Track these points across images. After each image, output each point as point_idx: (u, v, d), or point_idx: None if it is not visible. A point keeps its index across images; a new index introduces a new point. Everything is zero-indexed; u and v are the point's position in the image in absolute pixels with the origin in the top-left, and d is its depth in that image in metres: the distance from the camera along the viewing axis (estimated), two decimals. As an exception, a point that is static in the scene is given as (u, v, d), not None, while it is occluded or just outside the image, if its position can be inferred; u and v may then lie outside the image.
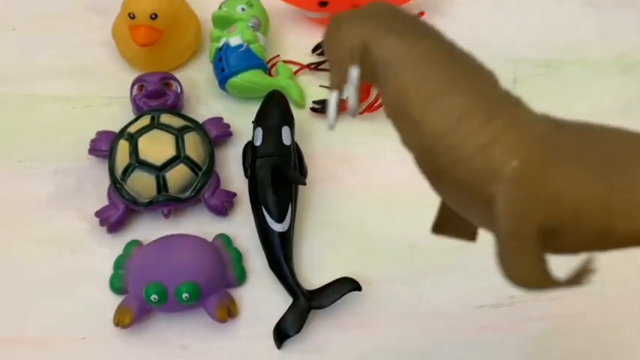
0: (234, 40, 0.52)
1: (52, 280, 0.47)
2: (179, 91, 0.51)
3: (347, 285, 0.45)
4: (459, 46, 0.24)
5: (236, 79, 0.52)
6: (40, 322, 0.45)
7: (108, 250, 0.47)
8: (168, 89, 0.51)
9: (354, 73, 0.22)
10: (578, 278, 0.22)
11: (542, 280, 0.23)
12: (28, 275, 0.47)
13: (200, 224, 0.48)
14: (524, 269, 0.22)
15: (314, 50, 0.56)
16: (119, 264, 0.46)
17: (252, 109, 0.51)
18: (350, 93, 0.23)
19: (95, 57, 0.56)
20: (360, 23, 0.22)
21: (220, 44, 0.53)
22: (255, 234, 0.48)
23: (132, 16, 0.50)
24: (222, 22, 0.53)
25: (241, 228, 0.49)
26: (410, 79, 0.22)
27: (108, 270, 0.46)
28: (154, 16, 0.50)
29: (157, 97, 0.50)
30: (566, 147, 0.22)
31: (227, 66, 0.52)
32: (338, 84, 0.23)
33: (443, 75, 0.22)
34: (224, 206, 0.48)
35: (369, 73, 0.23)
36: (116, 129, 0.50)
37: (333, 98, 0.23)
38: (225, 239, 0.47)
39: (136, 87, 0.51)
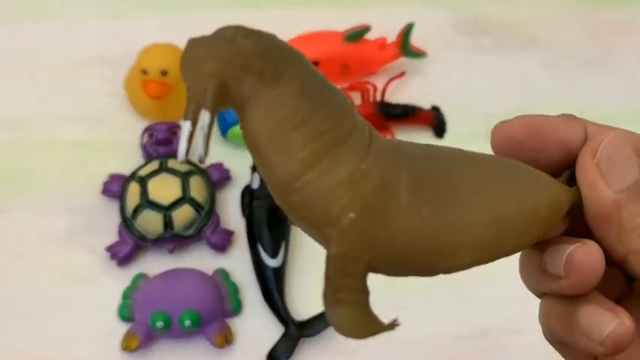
0: (235, 94, 0.58)
1: (63, 308, 0.51)
2: (184, 138, 0.57)
3: (334, 316, 0.50)
4: (324, 84, 0.22)
5: (236, 129, 0.58)
6: (53, 346, 0.49)
7: (117, 281, 0.52)
8: (175, 137, 0.56)
9: (205, 119, 0.20)
10: (394, 322, 0.22)
11: (368, 328, 0.22)
12: (41, 303, 0.51)
13: (201, 259, 0.53)
14: (350, 317, 0.21)
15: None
16: (127, 294, 0.51)
17: (249, 155, 0.56)
18: (199, 138, 0.21)
19: (106, 106, 0.61)
20: (219, 56, 0.20)
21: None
22: (251, 269, 0.52)
23: (145, 72, 0.56)
24: (224, 77, 0.59)
25: (238, 263, 0.53)
26: (262, 120, 0.21)
27: (116, 300, 0.51)
28: (164, 73, 0.56)
29: (165, 145, 0.55)
30: (406, 187, 0.21)
31: (228, 116, 0.57)
32: (192, 117, 0.21)
33: (296, 117, 0.20)
34: (223, 243, 0.53)
35: (231, 102, 0.21)
36: (125, 172, 0.55)
37: (185, 129, 0.21)
38: (223, 273, 0.52)
39: (146, 135, 0.56)
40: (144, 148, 0.56)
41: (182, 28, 0.65)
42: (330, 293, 0.21)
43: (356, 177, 0.21)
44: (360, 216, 0.20)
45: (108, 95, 0.62)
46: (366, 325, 0.22)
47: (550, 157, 0.25)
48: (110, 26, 0.66)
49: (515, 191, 0.23)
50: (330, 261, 0.21)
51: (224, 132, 0.58)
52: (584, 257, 0.23)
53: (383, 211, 0.21)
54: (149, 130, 0.56)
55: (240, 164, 0.57)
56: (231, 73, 0.20)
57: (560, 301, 0.25)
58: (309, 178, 0.20)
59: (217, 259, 0.53)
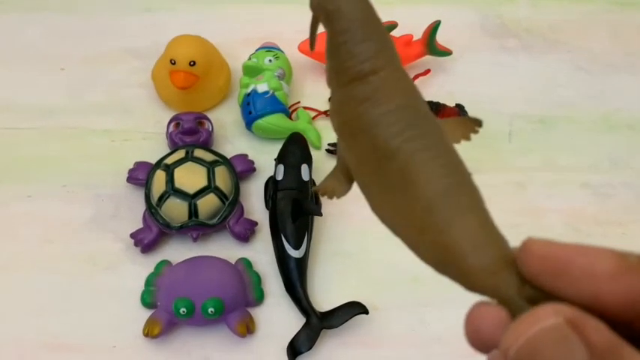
0: (262, 87, 0.58)
1: (88, 294, 0.51)
2: (210, 129, 0.57)
3: (355, 308, 0.50)
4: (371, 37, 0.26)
5: (261, 122, 0.58)
6: (76, 331, 0.50)
7: (140, 268, 0.52)
8: (201, 127, 0.56)
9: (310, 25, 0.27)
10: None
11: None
12: (67, 288, 0.52)
13: (224, 248, 0.53)
14: (326, 181, 0.28)
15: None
16: (150, 281, 0.51)
17: (273, 148, 0.57)
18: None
19: (134, 96, 0.62)
20: (315, 4, 0.25)
21: (249, 90, 0.59)
22: (273, 260, 0.53)
23: (173, 62, 0.57)
24: (252, 71, 0.60)
25: (260, 254, 0.54)
26: (326, 41, 0.26)
27: (140, 286, 0.51)
28: (192, 63, 0.57)
29: (191, 134, 0.56)
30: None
31: (254, 109, 0.58)
32: (311, 24, 0.27)
33: (338, 51, 0.26)
34: (246, 233, 0.53)
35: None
36: (152, 161, 0.56)
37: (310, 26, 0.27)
38: (246, 263, 0.52)
39: (172, 124, 0.57)
40: (170, 137, 0.56)
41: (210, 21, 0.67)
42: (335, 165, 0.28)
43: (336, 107, 0.25)
44: (336, 131, 0.26)
45: (136, 86, 0.63)
46: (329, 187, 0.27)
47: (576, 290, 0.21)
48: (140, 19, 0.67)
49: (433, 209, 0.23)
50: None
51: (249, 125, 0.59)
52: (475, 312, 0.22)
53: (342, 141, 0.26)
54: (175, 120, 0.57)
55: (264, 156, 0.58)
56: (314, 13, 0.26)
57: None
58: (330, 90, 0.26)
59: (240, 248, 0.54)
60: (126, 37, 0.66)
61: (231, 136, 0.60)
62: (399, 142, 0.24)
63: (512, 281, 0.22)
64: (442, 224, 0.23)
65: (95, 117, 0.61)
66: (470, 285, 0.22)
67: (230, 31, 0.65)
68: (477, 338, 0.22)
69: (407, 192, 0.24)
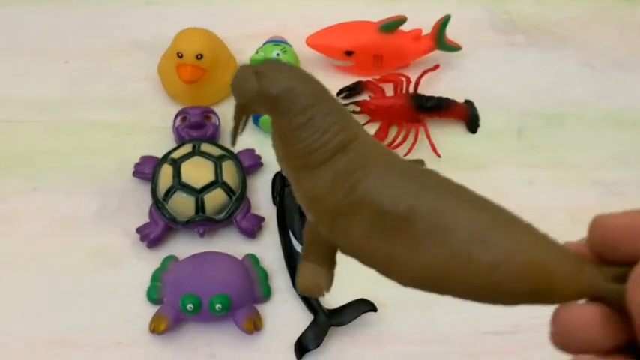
0: (269, 81, 0.58)
1: (93, 289, 0.51)
2: (217, 124, 0.57)
3: (364, 306, 0.49)
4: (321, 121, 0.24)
5: (267, 117, 0.57)
6: (81, 326, 0.49)
7: (146, 263, 0.51)
8: (208, 122, 0.56)
9: (231, 123, 0.26)
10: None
11: (314, 287, 0.25)
12: (71, 283, 0.51)
13: (231, 244, 0.53)
14: (306, 273, 0.26)
15: (338, 94, 0.61)
16: (156, 276, 0.50)
17: (281, 144, 0.56)
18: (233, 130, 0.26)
19: (139, 90, 0.61)
20: (242, 91, 0.24)
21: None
22: (280, 255, 0.52)
23: (180, 55, 0.56)
24: (259, 65, 0.59)
25: (267, 249, 0.53)
26: (273, 132, 0.25)
27: (145, 281, 0.51)
28: (199, 57, 0.56)
29: (198, 128, 0.55)
30: (367, 220, 0.23)
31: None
32: (234, 120, 0.26)
33: (291, 141, 0.24)
34: (253, 229, 0.53)
35: (258, 112, 0.26)
36: (158, 155, 0.55)
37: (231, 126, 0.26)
38: (253, 259, 0.52)
39: (179, 118, 0.56)
40: (176, 131, 0.56)
41: (217, 15, 0.66)
42: (302, 253, 0.26)
43: (316, 196, 0.24)
44: (316, 222, 0.24)
45: (142, 79, 0.62)
46: (312, 283, 0.26)
47: None
48: (145, 11, 0.66)
49: (478, 248, 0.22)
50: (304, 233, 0.26)
51: (256, 120, 0.58)
52: (568, 314, 0.22)
53: (334, 226, 0.24)
54: (182, 114, 0.56)
55: (271, 151, 0.55)
56: (249, 103, 0.24)
57: None
58: (294, 180, 0.25)
59: (246, 244, 0.53)
60: (131, 30, 0.65)
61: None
62: (410, 200, 0.23)
63: (595, 272, 0.22)
64: (511, 252, 0.22)
65: (100, 110, 0.60)
66: (563, 296, 0.22)
67: (237, 24, 0.64)
68: (570, 339, 0.22)
69: (445, 240, 0.22)
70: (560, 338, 0.22)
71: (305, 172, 0.24)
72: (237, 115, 0.25)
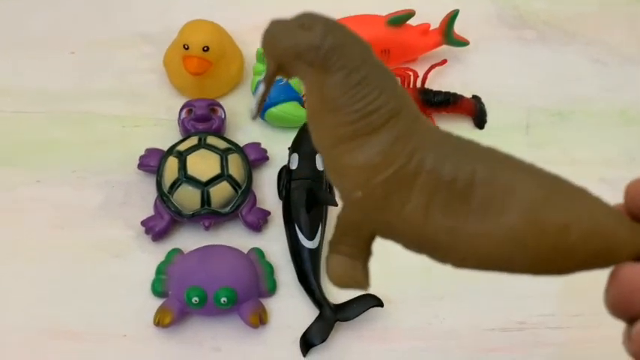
0: (276, 75, 0.57)
1: (98, 282, 0.51)
2: (223, 117, 0.56)
3: (370, 301, 0.49)
4: (370, 77, 0.22)
5: (274, 110, 0.57)
6: (85, 319, 0.49)
7: (151, 256, 0.51)
8: (214, 114, 0.55)
9: (260, 88, 0.24)
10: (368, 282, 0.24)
11: (350, 280, 0.24)
12: (76, 276, 0.51)
13: (236, 238, 0.53)
14: (340, 266, 0.24)
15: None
16: (161, 269, 0.50)
17: (286, 137, 0.56)
18: (255, 99, 0.24)
19: (145, 82, 0.61)
20: (279, 45, 0.22)
21: (262, 77, 0.58)
22: (286, 250, 0.52)
23: (186, 47, 0.56)
24: (265, 57, 0.59)
25: (273, 243, 0.53)
26: (309, 96, 0.23)
27: (150, 274, 0.50)
28: (206, 49, 0.55)
29: (204, 121, 0.55)
30: (422, 188, 0.22)
31: (267, 97, 0.57)
32: (265, 82, 0.23)
33: (334, 102, 0.22)
34: (259, 223, 0.52)
35: (292, 75, 0.23)
36: (163, 147, 0.55)
37: (260, 89, 0.24)
38: (259, 252, 0.51)
39: (185, 111, 0.56)
40: (182, 123, 0.55)
41: (223, 7, 0.65)
42: (333, 243, 0.24)
43: (369, 166, 0.21)
44: (365, 198, 0.22)
45: (147, 71, 0.61)
46: (350, 277, 0.24)
47: None
48: (151, 3, 0.66)
49: (547, 210, 0.22)
50: (337, 219, 0.23)
51: (262, 113, 0.58)
52: (631, 271, 0.22)
53: (387, 201, 0.21)
54: (188, 106, 0.56)
55: (277, 145, 0.57)
56: (286, 60, 0.22)
57: None
58: (335, 154, 0.22)
59: (252, 238, 0.53)
60: (137, 21, 0.65)
61: (244, 124, 0.59)
62: (471, 166, 0.21)
63: None
64: (577, 212, 0.22)
65: (105, 102, 0.60)
66: (621, 257, 0.22)
67: (244, 16, 0.63)
68: (629, 300, 0.21)
69: (512, 203, 0.21)
70: (620, 299, 0.22)
71: (355, 140, 0.21)
72: (269, 79, 0.23)
